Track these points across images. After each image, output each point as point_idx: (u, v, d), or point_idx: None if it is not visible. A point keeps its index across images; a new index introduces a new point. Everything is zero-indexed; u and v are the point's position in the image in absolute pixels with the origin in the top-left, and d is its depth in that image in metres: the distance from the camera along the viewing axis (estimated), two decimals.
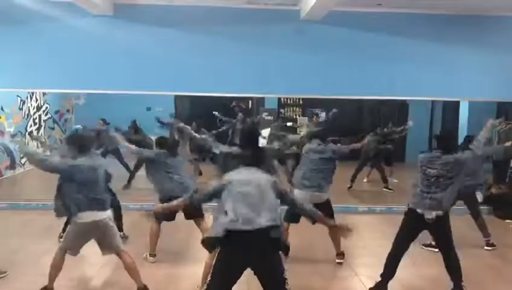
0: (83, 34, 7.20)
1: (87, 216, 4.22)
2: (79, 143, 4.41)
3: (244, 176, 3.44)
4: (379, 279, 4.68)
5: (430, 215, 4.40)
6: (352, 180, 9.83)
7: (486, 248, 6.22)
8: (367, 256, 5.95)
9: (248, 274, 3.46)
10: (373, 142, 8.58)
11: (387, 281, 4.60)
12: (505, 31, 7.55)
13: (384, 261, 5.59)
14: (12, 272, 4.98)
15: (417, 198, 4.51)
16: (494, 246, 6.25)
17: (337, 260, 5.59)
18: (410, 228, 4.62)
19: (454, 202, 4.94)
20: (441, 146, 4.64)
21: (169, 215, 5.34)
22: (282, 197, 3.48)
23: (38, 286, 4.51)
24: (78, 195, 4.18)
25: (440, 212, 4.41)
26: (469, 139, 6.54)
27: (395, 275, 5.00)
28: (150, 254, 5.50)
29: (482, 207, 8.14)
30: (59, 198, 4.39)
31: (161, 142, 5.84)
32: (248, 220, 3.22)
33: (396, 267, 4.60)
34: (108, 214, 4.38)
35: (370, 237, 6.81)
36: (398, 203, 7.42)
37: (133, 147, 5.84)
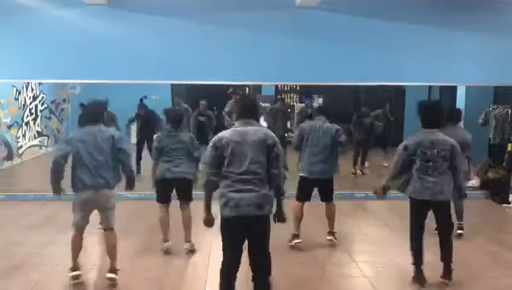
0: (78, 23, 7.13)
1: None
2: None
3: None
4: (379, 265, 4.70)
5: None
6: (354, 166, 9.93)
7: (458, 231, 5.91)
8: (365, 242, 5.99)
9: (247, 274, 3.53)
10: None
11: (420, 267, 4.50)
12: (501, 16, 7.51)
13: (382, 247, 5.68)
14: (13, 263, 4.99)
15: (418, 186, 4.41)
16: (462, 230, 5.96)
17: (327, 237, 5.62)
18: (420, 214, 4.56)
19: None
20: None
21: (166, 197, 5.39)
22: None
23: (40, 277, 4.56)
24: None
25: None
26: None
27: (393, 260, 5.07)
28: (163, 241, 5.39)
29: (479, 192, 8.25)
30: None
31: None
32: None
33: (422, 252, 4.49)
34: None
35: (368, 224, 6.86)
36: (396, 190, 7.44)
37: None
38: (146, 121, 9.41)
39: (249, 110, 3.54)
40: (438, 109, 4.66)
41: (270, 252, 3.55)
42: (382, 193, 4.64)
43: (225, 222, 3.44)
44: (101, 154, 4.30)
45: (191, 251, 5.34)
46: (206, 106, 10.01)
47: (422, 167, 4.34)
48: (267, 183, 3.42)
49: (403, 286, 4.55)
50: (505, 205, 7.79)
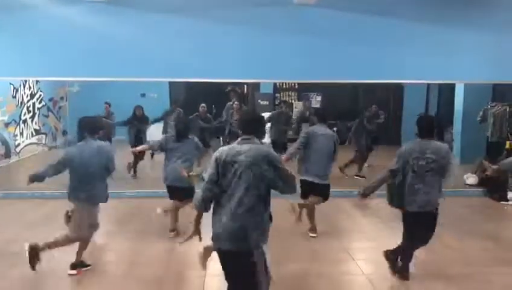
0: (76, 21, 7.10)
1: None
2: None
3: None
4: (378, 263, 4.70)
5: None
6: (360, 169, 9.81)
7: None
8: (363, 240, 5.99)
9: None
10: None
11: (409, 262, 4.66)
12: (499, 13, 7.50)
13: (380, 244, 5.67)
14: (11, 261, 4.98)
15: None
16: None
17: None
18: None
19: None
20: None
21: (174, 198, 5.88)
22: None
23: (37, 275, 4.56)
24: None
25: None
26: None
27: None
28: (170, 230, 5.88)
29: (477, 189, 8.26)
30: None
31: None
32: None
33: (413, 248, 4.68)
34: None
35: (366, 221, 6.85)
36: None
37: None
38: (141, 122, 9.39)
39: (250, 125, 3.29)
40: (432, 121, 4.82)
41: (268, 250, 3.30)
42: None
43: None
44: (89, 168, 4.53)
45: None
46: (206, 110, 9.94)
47: (417, 177, 4.43)
48: (259, 210, 3.11)
49: (402, 284, 4.55)
50: (503, 202, 7.79)
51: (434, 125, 4.73)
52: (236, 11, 7.29)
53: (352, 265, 5.12)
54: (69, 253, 4.75)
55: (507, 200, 7.80)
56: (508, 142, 8.88)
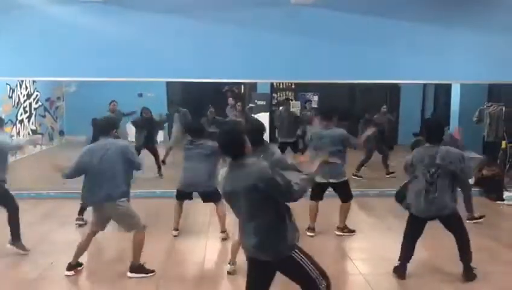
0: (73, 21, 7.09)
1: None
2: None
3: None
4: (375, 262, 4.72)
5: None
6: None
7: (467, 221, 6.14)
8: (360, 240, 6.00)
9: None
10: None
11: (406, 262, 4.65)
12: (496, 13, 7.53)
13: (378, 244, 5.69)
14: (8, 262, 4.99)
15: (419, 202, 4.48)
16: (477, 219, 6.47)
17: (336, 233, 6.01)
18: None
19: None
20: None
21: (181, 198, 5.93)
22: None
23: (36, 275, 4.57)
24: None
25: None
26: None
27: (388, 257, 5.08)
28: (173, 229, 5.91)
29: (473, 189, 8.28)
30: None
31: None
32: None
33: (413, 248, 4.64)
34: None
35: (363, 221, 6.86)
36: (392, 187, 7.48)
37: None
38: (149, 124, 9.37)
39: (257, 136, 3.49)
40: (440, 125, 4.78)
41: None
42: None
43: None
44: (109, 167, 4.42)
45: (224, 239, 5.67)
46: (214, 114, 9.98)
47: (431, 186, 4.41)
48: (270, 227, 2.98)
49: (399, 283, 4.57)
50: (499, 202, 7.82)
51: (443, 129, 4.68)
52: (233, 11, 7.29)
53: (350, 265, 5.13)
54: (68, 253, 4.75)
55: (503, 200, 7.83)
56: (503, 142, 8.92)
